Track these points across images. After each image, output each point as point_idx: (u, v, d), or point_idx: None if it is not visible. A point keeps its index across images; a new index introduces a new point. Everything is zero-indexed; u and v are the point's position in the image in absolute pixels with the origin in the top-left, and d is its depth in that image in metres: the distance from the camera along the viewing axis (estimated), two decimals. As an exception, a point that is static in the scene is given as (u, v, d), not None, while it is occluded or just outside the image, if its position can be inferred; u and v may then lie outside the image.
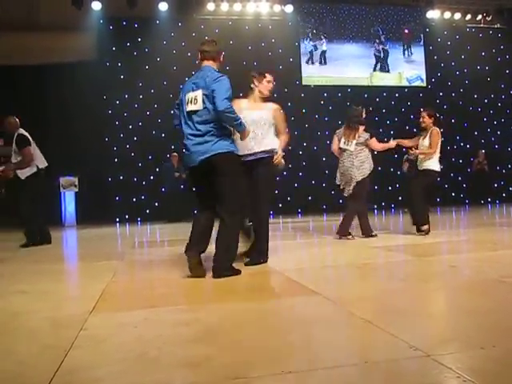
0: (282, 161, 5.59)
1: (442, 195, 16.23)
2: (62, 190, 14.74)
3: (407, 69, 17.56)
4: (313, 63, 17.13)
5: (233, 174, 4.80)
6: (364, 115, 8.29)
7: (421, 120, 7.99)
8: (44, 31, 14.87)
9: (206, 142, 4.77)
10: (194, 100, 4.88)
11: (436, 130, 7.84)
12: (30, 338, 2.96)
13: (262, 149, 5.47)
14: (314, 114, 16.51)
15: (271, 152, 5.50)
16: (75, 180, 14.62)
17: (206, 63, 5.24)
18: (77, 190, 14.74)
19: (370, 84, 17.26)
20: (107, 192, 15.05)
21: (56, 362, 2.41)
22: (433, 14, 17.57)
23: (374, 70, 17.38)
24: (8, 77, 14.45)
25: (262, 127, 5.60)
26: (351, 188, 7.71)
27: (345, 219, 7.75)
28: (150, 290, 4.44)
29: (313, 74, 17.09)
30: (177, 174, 14.12)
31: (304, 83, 16.97)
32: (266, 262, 5.46)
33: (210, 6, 16.17)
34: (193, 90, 4.95)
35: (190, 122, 4.90)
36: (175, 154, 13.92)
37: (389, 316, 3.09)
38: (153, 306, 3.62)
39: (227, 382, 2.14)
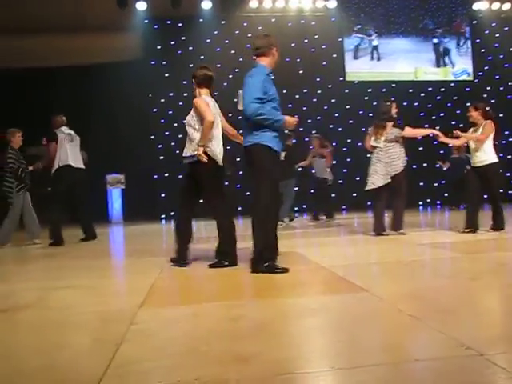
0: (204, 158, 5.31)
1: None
2: (108, 187, 14.99)
3: (448, 63, 17.27)
4: (357, 58, 16.99)
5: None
6: (395, 110, 8.14)
7: (468, 114, 7.83)
8: (90, 32, 15.13)
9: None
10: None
11: (490, 123, 7.63)
12: (82, 332, 3.02)
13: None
14: (358, 109, 16.37)
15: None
16: (122, 177, 14.86)
17: (258, 60, 5.15)
18: (123, 187, 14.98)
19: (414, 79, 17.02)
20: (153, 189, 15.23)
21: (108, 356, 2.45)
22: (480, 6, 17.20)
23: (438, 65, 17.18)
24: (55, 77, 14.75)
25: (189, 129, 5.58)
26: (386, 181, 7.65)
27: (395, 216, 7.71)
28: (197, 285, 4.48)
29: (357, 70, 16.95)
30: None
31: (348, 79, 16.85)
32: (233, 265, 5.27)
33: (253, 4, 16.19)
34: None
35: None
36: None
37: (438, 314, 3.05)
38: (200, 301, 3.65)
39: (276, 378, 2.14)
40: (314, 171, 12.33)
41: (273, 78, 5.12)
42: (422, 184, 16.18)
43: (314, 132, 13.71)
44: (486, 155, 7.56)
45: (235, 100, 15.09)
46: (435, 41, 17.24)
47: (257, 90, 4.78)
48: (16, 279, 5.15)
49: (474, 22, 17.45)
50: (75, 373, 2.30)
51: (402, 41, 17.11)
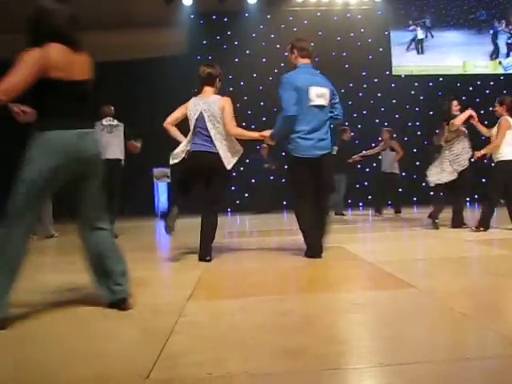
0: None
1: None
2: (155, 180, 15.19)
3: (503, 55, 16.88)
4: (407, 51, 16.81)
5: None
6: (456, 107, 8.00)
7: (493, 109, 7.70)
8: (136, 28, 15.33)
9: (327, 138, 5.35)
10: (322, 95, 5.28)
11: (505, 119, 7.47)
12: (132, 323, 3.08)
13: None
14: (405, 104, 16.18)
15: None
16: (168, 171, 15.02)
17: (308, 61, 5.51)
18: (169, 180, 15.15)
19: (463, 72, 16.71)
20: (198, 183, 15.35)
21: (158, 347, 2.50)
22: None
23: (496, 57, 16.87)
24: (103, 73, 14.95)
25: None
26: (453, 177, 7.58)
27: (455, 213, 7.65)
28: (243, 279, 4.51)
29: (404, 64, 16.75)
30: (266, 166, 14.23)
31: (394, 73, 16.66)
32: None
33: (299, -2, 16.16)
34: (319, 86, 5.30)
35: (312, 116, 5.24)
36: (265, 145, 14.01)
37: (489, 311, 3.01)
38: (248, 295, 3.68)
39: (324, 373, 2.15)
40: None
41: None
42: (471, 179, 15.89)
43: (385, 125, 13.67)
44: (502, 153, 7.43)
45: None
46: (491, 32, 16.89)
47: None
48: (65, 270, 5.26)
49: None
50: (126, 363, 2.35)
51: (452, 34, 16.81)
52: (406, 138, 16.06)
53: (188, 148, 5.56)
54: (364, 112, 16.13)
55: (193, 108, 5.62)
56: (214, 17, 16.19)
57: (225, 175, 5.50)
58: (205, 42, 16.01)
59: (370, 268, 4.72)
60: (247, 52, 15.87)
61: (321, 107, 5.25)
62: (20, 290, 3.17)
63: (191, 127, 5.57)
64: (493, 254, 5.48)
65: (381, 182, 12.26)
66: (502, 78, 16.72)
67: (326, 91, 5.30)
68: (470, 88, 16.28)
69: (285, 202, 14.63)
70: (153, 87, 14.66)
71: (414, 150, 16.12)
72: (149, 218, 13.91)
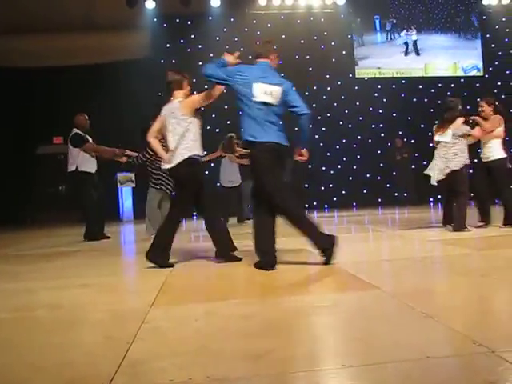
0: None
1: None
2: (119, 185, 15.04)
3: (463, 58, 17.16)
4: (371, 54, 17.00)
5: None
6: (460, 107, 8.09)
7: (480, 109, 7.81)
8: (99, 31, 15.20)
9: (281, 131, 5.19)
10: (270, 93, 5.15)
11: (498, 117, 7.63)
12: (95, 330, 3.05)
13: None
14: (368, 106, 16.33)
15: None
16: (132, 176, 14.88)
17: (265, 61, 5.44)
18: (134, 185, 15.01)
19: (424, 75, 16.96)
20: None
21: (120, 354, 2.47)
22: (490, 1, 17.11)
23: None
24: (64, 77, 14.80)
25: None
26: (441, 177, 7.62)
27: (457, 215, 7.68)
28: (208, 283, 4.50)
29: (367, 66, 16.92)
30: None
31: (357, 76, 16.81)
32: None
33: (262, 1, 16.19)
34: (268, 84, 5.18)
35: (264, 110, 5.12)
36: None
37: (450, 311, 3.05)
38: (212, 299, 3.66)
39: (288, 375, 2.15)
40: None
41: None
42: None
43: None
44: (493, 151, 7.58)
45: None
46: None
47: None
48: (30, 278, 5.18)
49: (484, 17, 17.36)
50: (88, 371, 2.32)
51: (415, 36, 17.07)
52: (369, 140, 16.25)
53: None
54: (328, 114, 16.23)
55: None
56: (177, 20, 16.12)
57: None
58: (168, 45, 15.93)
59: (334, 270, 4.74)
60: (211, 55, 15.77)
61: (266, 104, 5.13)
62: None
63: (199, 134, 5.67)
64: (456, 254, 5.54)
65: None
66: (462, 80, 17.01)
67: (276, 89, 5.18)
68: (432, 90, 16.52)
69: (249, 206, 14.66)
70: (117, 91, 14.52)
71: (378, 152, 16.31)
72: (113, 223, 13.76)
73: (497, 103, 7.86)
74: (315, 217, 13.04)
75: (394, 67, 16.88)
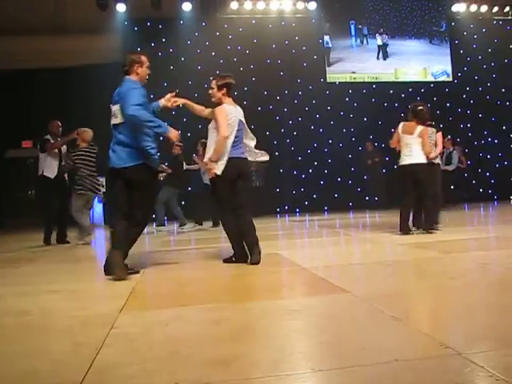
0: (212, 169, 5.54)
1: (470, 191, 16.10)
2: (89, 191, 14.88)
3: (432, 64, 17.38)
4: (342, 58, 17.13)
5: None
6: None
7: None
8: (69, 34, 15.06)
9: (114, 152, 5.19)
10: (113, 114, 5.19)
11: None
12: (62, 336, 3.00)
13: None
14: (339, 111, 16.44)
15: None
16: (102, 181, 14.73)
17: (126, 76, 5.43)
18: (104, 190, 14.86)
19: (394, 80, 17.13)
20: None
21: (88, 360, 2.44)
22: (458, 8, 17.38)
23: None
24: (34, 80, 14.64)
25: (211, 137, 5.69)
26: None
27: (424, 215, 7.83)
28: (178, 288, 4.47)
29: (337, 71, 17.04)
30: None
31: (328, 80, 16.91)
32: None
33: (234, 5, 16.20)
34: (113, 104, 5.23)
35: (114, 133, 5.20)
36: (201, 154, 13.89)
37: (419, 314, 3.08)
38: (182, 304, 3.64)
39: (257, 380, 2.15)
40: None
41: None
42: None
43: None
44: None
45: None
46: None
47: (138, 97, 5.06)
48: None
49: (453, 23, 17.62)
50: (55, 378, 2.28)
51: (388, 41, 17.26)
52: (340, 145, 16.35)
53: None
54: (299, 119, 16.31)
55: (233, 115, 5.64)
56: (148, 23, 16.05)
57: None
58: (139, 48, 15.72)
59: (305, 274, 4.75)
60: (182, 59, 15.79)
61: (114, 126, 5.20)
62: None
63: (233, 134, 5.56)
64: (425, 257, 5.60)
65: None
66: (432, 85, 17.22)
67: (116, 107, 5.16)
68: (402, 95, 16.68)
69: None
70: (87, 94, 14.38)
71: (349, 156, 16.42)
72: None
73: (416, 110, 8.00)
74: (287, 221, 13.08)
75: (368, 72, 17.02)
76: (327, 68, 16.93)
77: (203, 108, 5.98)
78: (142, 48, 15.79)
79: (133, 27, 15.88)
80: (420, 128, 7.72)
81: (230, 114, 5.58)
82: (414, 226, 7.94)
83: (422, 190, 7.69)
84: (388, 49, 17.21)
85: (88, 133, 8.86)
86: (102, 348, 2.64)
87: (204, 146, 10.72)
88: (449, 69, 17.42)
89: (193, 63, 15.66)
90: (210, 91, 5.81)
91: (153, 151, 5.09)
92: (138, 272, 5.16)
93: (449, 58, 17.46)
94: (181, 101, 5.77)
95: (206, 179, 11.12)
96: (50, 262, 6.76)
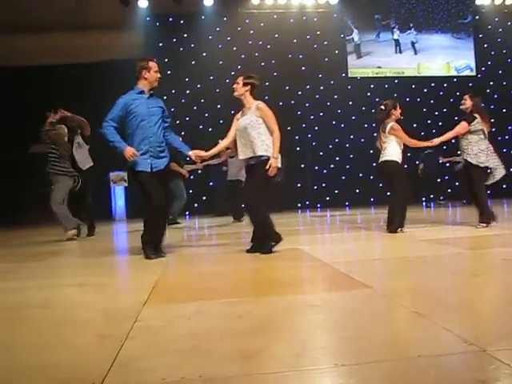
0: (276, 165, 5.75)
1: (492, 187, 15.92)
2: (112, 184, 15.01)
3: (456, 58, 17.21)
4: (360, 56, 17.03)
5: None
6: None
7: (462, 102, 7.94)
8: (92, 30, 15.17)
9: None
10: None
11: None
12: (87, 328, 3.03)
13: (257, 154, 5.77)
14: (361, 106, 16.36)
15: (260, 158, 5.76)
16: (124, 175, 14.86)
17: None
18: (126, 184, 14.98)
19: (417, 74, 17.00)
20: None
21: (113, 353, 2.46)
22: (483, 1, 17.18)
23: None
24: (57, 76, 14.76)
25: (247, 133, 5.82)
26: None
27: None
28: (200, 282, 4.49)
29: (360, 66, 16.95)
30: (225, 169, 14.18)
31: (350, 75, 16.84)
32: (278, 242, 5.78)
33: (255, 0, 16.20)
34: None
35: None
36: (229, 150, 13.86)
37: (442, 310, 3.05)
38: (204, 298, 3.66)
39: (279, 374, 2.15)
40: None
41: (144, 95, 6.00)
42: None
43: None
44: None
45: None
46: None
47: (111, 111, 5.91)
48: (21, 277, 5.17)
49: (477, 17, 17.42)
50: (80, 370, 2.31)
51: (410, 36, 17.12)
52: (362, 140, 16.26)
53: None
54: (321, 114, 16.28)
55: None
56: (170, 19, 16.11)
57: None
58: (161, 44, 15.91)
59: (326, 269, 4.75)
60: (204, 54, 15.83)
61: None
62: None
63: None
64: (448, 253, 5.56)
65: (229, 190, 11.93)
66: (454, 80, 17.06)
67: None
68: (425, 90, 16.57)
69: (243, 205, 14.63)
70: (109, 90, 14.47)
71: (371, 152, 16.29)
72: (105, 222, 13.75)
73: (477, 99, 7.86)
74: (308, 216, 13.06)
75: (392, 66, 16.89)
76: (355, 62, 16.83)
77: (223, 143, 6.32)
78: (164, 44, 15.91)
79: (154, 23, 15.95)
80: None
81: None
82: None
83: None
84: (412, 43, 17.06)
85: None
86: (126, 341, 2.67)
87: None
88: (472, 63, 17.24)
89: (214, 58, 15.69)
90: (234, 86, 5.95)
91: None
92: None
93: (472, 52, 17.28)
94: (205, 155, 6.21)
95: (233, 176, 11.17)
96: (73, 255, 6.85)
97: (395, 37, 17.09)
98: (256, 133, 5.71)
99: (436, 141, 7.78)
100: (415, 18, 17.09)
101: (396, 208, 7.56)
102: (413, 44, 17.08)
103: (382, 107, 7.74)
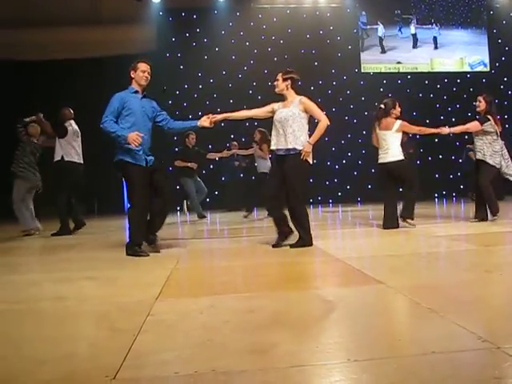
0: (310, 151, 5.92)
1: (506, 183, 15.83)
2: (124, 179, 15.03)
3: (469, 54, 17.10)
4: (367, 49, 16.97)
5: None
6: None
7: (476, 104, 7.97)
8: (105, 24, 15.20)
9: None
10: None
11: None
12: (100, 322, 3.05)
13: (289, 146, 5.89)
14: (374, 101, 16.28)
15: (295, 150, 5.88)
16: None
17: None
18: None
19: (430, 70, 16.90)
20: (169, 181, 15.28)
21: (126, 346, 2.47)
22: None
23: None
24: (70, 70, 14.80)
25: (287, 125, 5.92)
26: None
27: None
28: (213, 277, 4.50)
29: (372, 61, 16.89)
30: (236, 163, 14.20)
31: (363, 71, 16.78)
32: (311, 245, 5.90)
33: (268, -5, 16.17)
34: None
35: None
36: (235, 143, 13.93)
37: (455, 306, 3.04)
38: (217, 292, 3.67)
39: (292, 369, 2.15)
40: None
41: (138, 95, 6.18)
42: (437, 176, 16.11)
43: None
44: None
45: (250, 92, 15.11)
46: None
47: (108, 106, 6.03)
48: (33, 270, 5.21)
49: (491, 12, 17.29)
50: (93, 363, 2.32)
51: (427, 31, 17.03)
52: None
53: None
54: (333, 109, 16.21)
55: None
56: (183, 14, 16.13)
57: None
58: (174, 39, 15.94)
59: (338, 264, 4.74)
60: (216, 49, 15.82)
61: None
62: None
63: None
64: (461, 249, 5.54)
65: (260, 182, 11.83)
66: (468, 76, 16.95)
67: None
68: (438, 86, 16.48)
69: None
70: (122, 84, 14.52)
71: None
72: (118, 216, 13.81)
73: (491, 100, 7.91)
74: (320, 212, 13.05)
75: (411, 62, 16.80)
76: (372, 57, 16.78)
77: (243, 112, 6.45)
78: (177, 38, 15.93)
79: (167, 17, 15.97)
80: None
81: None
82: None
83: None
84: (434, 38, 16.96)
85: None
86: (139, 334, 2.67)
87: (262, 134, 10.75)
88: (486, 59, 17.11)
89: (227, 53, 15.69)
90: (275, 83, 6.11)
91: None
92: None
93: (486, 47, 17.14)
94: (219, 117, 6.21)
95: (262, 168, 11.10)
96: (85, 249, 6.87)
97: (412, 31, 16.99)
98: (297, 125, 5.88)
99: (445, 129, 7.83)
100: (435, 13, 16.98)
101: (409, 201, 7.74)
102: (435, 39, 16.96)
103: (382, 106, 7.74)
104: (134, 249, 5.65)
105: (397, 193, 7.78)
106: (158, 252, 5.88)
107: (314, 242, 6.02)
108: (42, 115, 8.92)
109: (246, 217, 11.19)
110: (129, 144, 5.60)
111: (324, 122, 6.00)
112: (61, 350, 2.52)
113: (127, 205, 6.12)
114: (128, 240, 5.83)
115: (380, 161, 7.74)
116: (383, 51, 16.90)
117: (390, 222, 7.56)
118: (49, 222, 9.57)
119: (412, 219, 7.55)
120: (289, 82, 6.05)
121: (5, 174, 8.95)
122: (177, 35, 15.96)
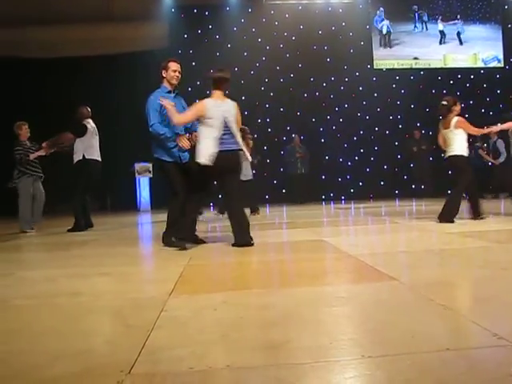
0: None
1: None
2: (137, 175, 15.10)
3: (483, 49, 16.97)
4: (384, 46, 16.87)
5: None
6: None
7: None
8: (117, 21, 15.24)
9: None
10: None
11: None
12: (114, 317, 3.07)
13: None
14: (386, 98, 16.24)
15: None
16: (149, 166, 14.93)
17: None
18: (151, 175, 15.06)
19: (443, 66, 16.80)
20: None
21: (140, 341, 2.49)
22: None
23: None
24: (83, 68, 14.85)
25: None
26: None
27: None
28: (225, 273, 4.51)
29: (385, 57, 16.81)
30: (255, 161, 14.13)
31: (375, 67, 16.71)
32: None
33: (280, -9, 16.14)
34: None
35: None
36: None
37: (469, 303, 3.03)
38: (230, 289, 3.68)
39: (306, 365, 2.15)
40: None
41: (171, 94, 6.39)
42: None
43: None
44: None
45: (262, 88, 15.10)
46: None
47: (152, 111, 6.16)
48: (48, 266, 5.24)
49: (505, 7, 17.15)
50: (108, 358, 2.33)
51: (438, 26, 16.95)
52: (387, 132, 16.17)
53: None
54: (346, 106, 16.19)
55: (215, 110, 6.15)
56: (194, 10, 16.13)
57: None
58: (186, 35, 15.95)
59: (351, 261, 4.73)
60: (228, 46, 15.82)
61: None
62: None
63: (218, 128, 5.97)
64: (475, 246, 5.51)
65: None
66: (482, 71, 16.83)
67: None
68: (451, 82, 16.38)
69: (267, 196, 14.62)
70: (134, 81, 14.57)
71: (396, 144, 16.23)
72: (130, 212, 13.87)
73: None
74: (332, 208, 13.03)
75: (428, 58, 16.71)
76: (384, 53, 16.71)
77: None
78: (189, 35, 15.94)
79: (179, 14, 15.99)
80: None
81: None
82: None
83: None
84: (458, 34, 16.87)
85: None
86: (153, 330, 2.69)
87: (244, 132, 10.76)
88: (500, 54, 16.97)
89: (239, 50, 15.69)
90: None
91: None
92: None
93: (500, 43, 17.00)
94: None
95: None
96: (99, 245, 6.91)
97: (440, 28, 16.88)
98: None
99: (495, 128, 8.21)
100: (453, 9, 16.87)
101: (455, 198, 7.77)
102: (458, 34, 16.84)
103: (444, 102, 7.75)
104: (169, 240, 5.98)
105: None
106: (205, 243, 6.28)
107: (325, 239, 6.01)
108: (44, 144, 9.12)
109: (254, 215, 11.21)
110: (175, 144, 6.01)
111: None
112: (76, 345, 2.54)
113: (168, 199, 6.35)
114: (165, 230, 6.17)
115: (445, 157, 7.96)
116: (390, 46, 16.79)
117: (448, 216, 7.65)
118: (64, 218, 9.64)
119: (452, 222, 7.61)
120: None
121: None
122: (189, 32, 15.97)
